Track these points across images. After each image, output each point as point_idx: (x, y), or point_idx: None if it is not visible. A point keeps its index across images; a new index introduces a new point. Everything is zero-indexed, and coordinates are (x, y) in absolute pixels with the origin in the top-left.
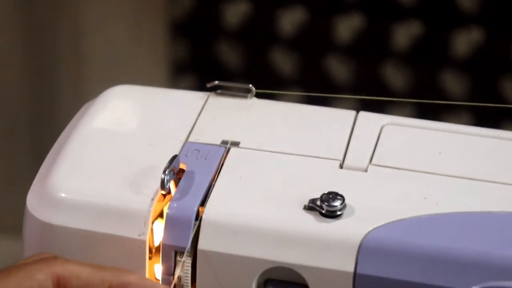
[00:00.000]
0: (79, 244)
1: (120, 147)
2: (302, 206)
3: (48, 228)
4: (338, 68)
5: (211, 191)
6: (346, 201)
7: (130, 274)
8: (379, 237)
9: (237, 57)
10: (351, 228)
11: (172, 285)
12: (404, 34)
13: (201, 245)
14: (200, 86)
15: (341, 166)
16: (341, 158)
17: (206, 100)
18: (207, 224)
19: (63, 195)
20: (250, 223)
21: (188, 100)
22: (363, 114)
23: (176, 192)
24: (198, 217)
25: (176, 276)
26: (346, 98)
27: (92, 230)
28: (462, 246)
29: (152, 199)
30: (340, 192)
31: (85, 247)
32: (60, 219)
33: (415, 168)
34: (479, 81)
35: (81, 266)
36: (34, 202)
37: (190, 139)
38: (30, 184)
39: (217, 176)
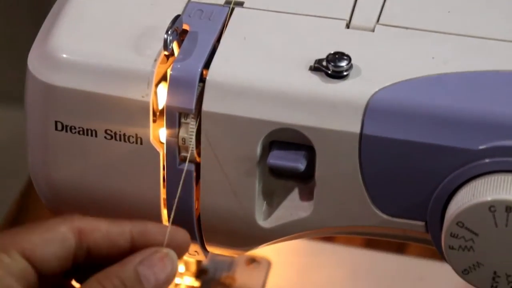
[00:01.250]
0: (82, 106)
1: (122, 7)
2: (308, 67)
3: (50, 90)
4: None
5: (215, 52)
6: (352, 61)
7: (149, 223)
8: (386, 97)
9: None
10: (357, 89)
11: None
12: None
13: (206, 106)
14: None
15: (347, 26)
16: (347, 17)
17: None
18: (211, 85)
19: (64, 55)
20: (255, 84)
21: None
22: None
23: (179, 53)
24: (202, 79)
25: (179, 137)
26: None
27: (95, 92)
28: (470, 106)
29: (155, 60)
30: (346, 52)
31: (88, 110)
32: (62, 80)
33: (423, 27)
34: None
35: (101, 220)
36: (35, 63)
37: None
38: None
39: (221, 37)
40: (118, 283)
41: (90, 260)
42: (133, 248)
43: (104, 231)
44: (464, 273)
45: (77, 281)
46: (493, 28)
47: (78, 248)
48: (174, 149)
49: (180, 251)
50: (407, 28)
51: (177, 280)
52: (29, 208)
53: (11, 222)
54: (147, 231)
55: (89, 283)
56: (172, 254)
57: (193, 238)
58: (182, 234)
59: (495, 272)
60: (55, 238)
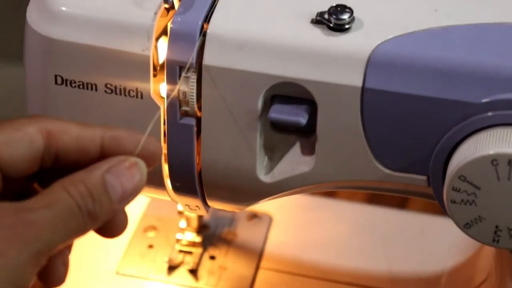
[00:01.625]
0: (82, 60)
1: None
2: (310, 20)
3: (49, 43)
4: None
5: (216, 5)
6: (354, 14)
7: (121, 129)
8: (388, 50)
9: None
10: (359, 42)
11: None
12: None
13: (206, 60)
14: None
15: None
16: None
17: None
18: (212, 39)
19: (63, 8)
20: (256, 38)
21: None
22: None
23: (179, 6)
24: (202, 33)
25: (180, 91)
26: None
27: (94, 45)
28: (473, 59)
29: (155, 13)
30: (348, 5)
31: (88, 63)
32: (61, 33)
33: None
34: None
35: (71, 123)
36: (34, 16)
37: None
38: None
39: None
40: (84, 190)
41: (57, 165)
42: (102, 155)
43: (74, 134)
44: (466, 227)
45: (40, 185)
46: None
47: (46, 151)
48: (175, 103)
49: (151, 161)
50: None
51: (178, 235)
52: None
53: None
54: (118, 137)
55: (54, 188)
56: (141, 164)
57: (194, 193)
58: (154, 143)
59: (496, 226)
60: (22, 139)
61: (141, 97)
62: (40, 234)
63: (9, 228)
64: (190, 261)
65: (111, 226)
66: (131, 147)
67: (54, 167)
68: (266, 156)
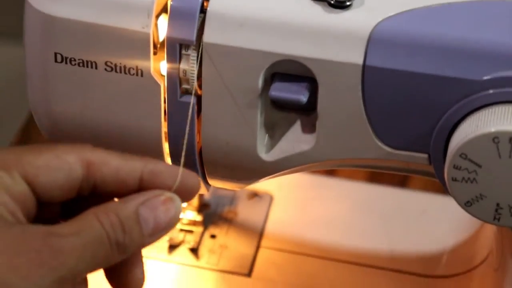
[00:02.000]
0: (82, 37)
1: None
2: None
3: (49, 20)
4: None
5: None
6: None
7: (161, 163)
8: (389, 27)
9: None
10: (360, 19)
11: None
12: None
13: (207, 38)
14: None
15: None
16: None
17: None
18: (212, 16)
19: None
20: (256, 15)
21: None
22: None
23: None
24: (202, 10)
25: (180, 69)
26: None
27: (94, 22)
28: (475, 36)
29: None
30: None
31: (88, 41)
32: (61, 11)
33: None
34: None
35: (112, 153)
36: None
37: None
38: None
39: None
40: (116, 220)
41: (94, 194)
42: (140, 188)
43: (114, 166)
44: (467, 205)
45: (74, 209)
46: None
47: (84, 181)
48: (175, 81)
49: (188, 196)
50: None
51: None
52: (30, 142)
53: None
54: (158, 171)
55: (86, 215)
56: (177, 199)
57: (195, 172)
58: (192, 178)
59: (498, 204)
60: (61, 168)
61: (141, 75)
62: (66, 261)
63: (36, 252)
64: (190, 240)
65: (127, 283)
66: (169, 181)
67: (91, 195)
68: (267, 135)
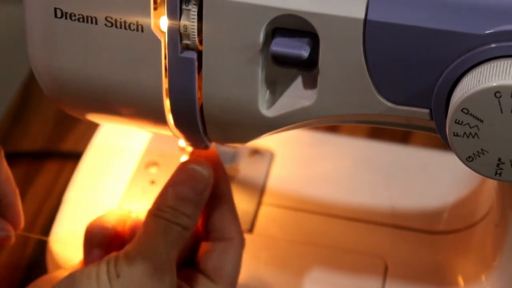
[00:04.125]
0: None
1: None
2: None
3: None
4: None
5: None
6: None
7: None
8: None
9: None
10: None
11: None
12: None
13: None
14: None
15: None
16: None
17: None
18: None
19: None
20: None
21: None
22: None
23: None
24: None
25: (181, 25)
26: None
27: None
28: None
29: None
30: None
31: None
32: None
33: None
34: None
35: None
36: None
37: None
38: None
39: None
40: (167, 208)
41: None
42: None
43: None
44: (468, 160)
45: None
46: None
47: None
48: (176, 37)
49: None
50: None
51: None
52: (31, 99)
53: (13, 114)
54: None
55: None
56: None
57: (196, 129)
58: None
59: (499, 159)
60: None
61: (142, 31)
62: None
63: None
64: None
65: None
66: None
67: None
68: (268, 90)
